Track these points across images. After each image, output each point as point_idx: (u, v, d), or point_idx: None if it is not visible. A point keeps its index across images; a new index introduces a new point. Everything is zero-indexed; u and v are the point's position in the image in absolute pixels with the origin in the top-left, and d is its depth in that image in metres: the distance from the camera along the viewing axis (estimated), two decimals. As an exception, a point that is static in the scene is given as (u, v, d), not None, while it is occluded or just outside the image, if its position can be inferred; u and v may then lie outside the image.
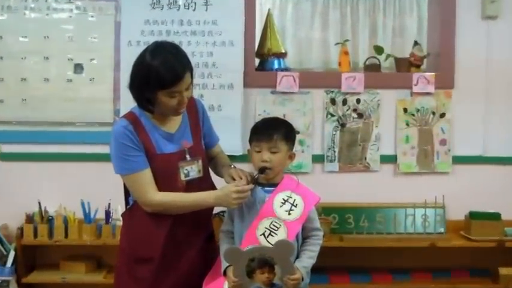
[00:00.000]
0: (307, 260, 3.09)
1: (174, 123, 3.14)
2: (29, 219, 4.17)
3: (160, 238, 3.06)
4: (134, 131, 3.00)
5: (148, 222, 3.07)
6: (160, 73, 2.88)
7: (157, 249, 3.07)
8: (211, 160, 3.40)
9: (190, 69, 3.00)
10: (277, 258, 2.95)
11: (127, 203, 3.21)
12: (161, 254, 3.07)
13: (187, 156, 3.10)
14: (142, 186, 3.02)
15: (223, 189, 3.05)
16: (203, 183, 3.17)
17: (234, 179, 3.15)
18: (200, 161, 3.16)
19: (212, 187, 3.27)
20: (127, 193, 3.19)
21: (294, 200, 3.14)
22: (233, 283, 2.99)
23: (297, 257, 3.10)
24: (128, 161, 3.00)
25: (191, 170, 3.12)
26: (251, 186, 3.04)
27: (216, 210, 3.97)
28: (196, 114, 3.25)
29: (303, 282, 3.03)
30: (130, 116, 3.06)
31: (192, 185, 3.10)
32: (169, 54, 2.96)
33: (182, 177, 3.09)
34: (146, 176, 3.02)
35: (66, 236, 4.13)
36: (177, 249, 3.10)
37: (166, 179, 3.05)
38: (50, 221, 4.16)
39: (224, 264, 3.07)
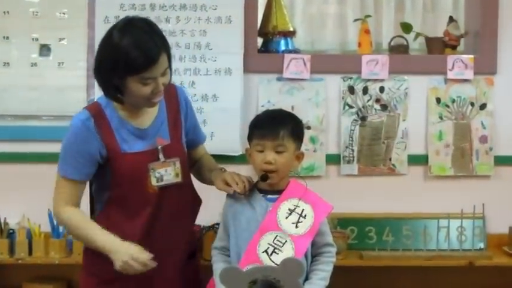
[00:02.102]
0: (319, 281, 3.10)
1: (148, 117, 3.11)
2: (-14, 233, 4.21)
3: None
4: (95, 127, 2.99)
5: (117, 230, 3.03)
6: (130, 55, 2.84)
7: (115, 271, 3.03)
8: (195, 162, 3.41)
9: (167, 51, 2.97)
10: (284, 280, 2.94)
11: (92, 211, 3.24)
12: (126, 275, 3.02)
13: (161, 157, 3.07)
14: (62, 195, 3.05)
15: (126, 249, 2.94)
16: (182, 192, 3.15)
17: (228, 185, 3.15)
18: (178, 163, 3.12)
19: (194, 196, 3.29)
20: (93, 200, 3.23)
21: (303, 209, 3.14)
22: None
23: (306, 278, 3.10)
24: (65, 162, 3.04)
25: (165, 173, 3.08)
26: (153, 264, 2.94)
27: (210, 222, 4.03)
28: (177, 106, 3.22)
29: None
30: (94, 108, 3.05)
31: (168, 193, 3.08)
32: (142, 32, 2.91)
33: (153, 181, 3.06)
34: (74, 188, 3.05)
35: (31, 253, 4.13)
36: (149, 270, 3.05)
37: (133, 184, 3.03)
38: (10, 235, 4.17)
39: (220, 287, 3.05)
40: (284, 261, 2.96)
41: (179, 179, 3.12)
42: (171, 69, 3.05)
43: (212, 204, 3.43)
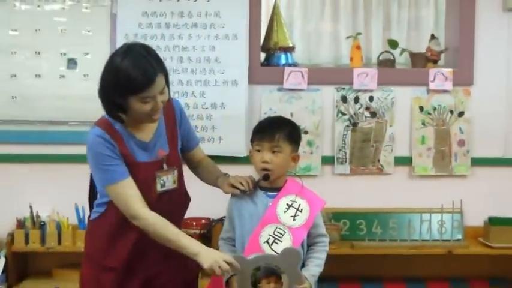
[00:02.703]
0: (314, 268, 3.09)
1: (149, 131, 3.08)
2: (20, 224, 4.20)
3: (124, 248, 3.04)
4: (111, 140, 2.94)
5: (115, 232, 3.04)
6: (130, 76, 2.80)
7: (120, 259, 3.05)
8: (197, 165, 3.38)
9: (164, 72, 2.94)
10: (284, 267, 2.95)
11: (91, 207, 3.20)
12: (126, 263, 3.05)
13: (165, 166, 3.06)
14: (128, 197, 2.94)
15: (214, 252, 2.94)
16: (177, 194, 3.15)
17: (234, 187, 3.14)
18: (176, 172, 3.12)
19: (185, 197, 3.27)
20: (91, 196, 3.20)
21: (299, 204, 3.13)
22: None
23: (303, 265, 3.09)
24: (109, 172, 2.94)
25: (167, 180, 3.07)
26: (237, 265, 2.90)
27: (218, 216, 4.02)
28: (173, 118, 3.19)
29: None
30: (104, 123, 2.99)
31: (165, 197, 3.07)
32: (140, 56, 2.87)
33: (158, 187, 3.05)
34: (129, 186, 2.95)
35: (60, 242, 4.14)
36: (143, 258, 3.07)
37: (144, 190, 2.99)
38: (42, 226, 4.18)
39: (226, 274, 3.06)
40: (284, 251, 2.97)
41: (176, 186, 3.12)
42: (169, 88, 3.01)
43: (220, 199, 3.39)
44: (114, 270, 3.07)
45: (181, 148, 3.28)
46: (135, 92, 2.82)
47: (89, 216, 3.23)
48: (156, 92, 2.86)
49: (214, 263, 2.82)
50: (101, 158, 2.93)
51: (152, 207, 2.99)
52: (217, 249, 3.20)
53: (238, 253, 3.11)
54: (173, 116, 3.19)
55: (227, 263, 2.83)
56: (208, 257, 2.85)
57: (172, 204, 3.12)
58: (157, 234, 2.92)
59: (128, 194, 2.93)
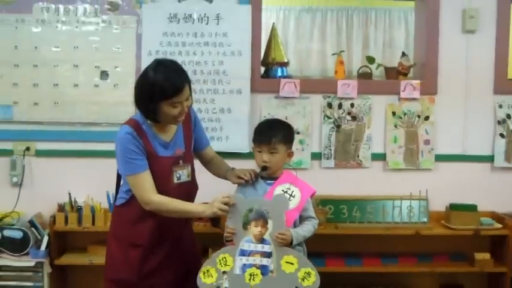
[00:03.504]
0: (301, 231, 3.08)
1: (169, 133, 3.15)
2: (61, 208, 4.21)
3: (148, 228, 3.09)
4: (138, 136, 3.01)
5: (138, 215, 3.09)
6: (164, 87, 2.90)
7: (144, 238, 3.11)
8: (208, 162, 3.43)
9: (189, 82, 3.01)
10: (273, 212, 2.96)
11: (117, 194, 3.26)
12: (149, 241, 3.11)
13: (181, 162, 3.13)
14: (143, 187, 3.01)
15: (212, 203, 3.01)
16: (190, 186, 3.21)
17: (240, 178, 3.21)
18: (189, 167, 3.19)
19: (196, 186, 3.31)
20: (118, 185, 3.26)
21: (292, 191, 3.15)
22: (229, 231, 3.00)
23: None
24: (131, 164, 3.01)
25: (182, 174, 3.14)
26: (233, 201, 3.00)
27: None
28: (189, 123, 3.25)
29: (291, 246, 3.01)
30: (133, 123, 3.06)
31: (182, 187, 3.14)
32: (170, 69, 2.98)
33: (175, 180, 3.11)
34: (146, 177, 3.02)
35: (93, 223, 4.16)
36: (162, 238, 3.14)
37: (161, 180, 3.06)
38: (79, 210, 4.19)
39: (228, 220, 3.08)
40: (275, 196, 3.04)
41: (189, 179, 3.19)
42: (191, 96, 3.07)
43: (226, 187, 3.37)
44: (141, 247, 3.11)
45: (194, 148, 3.32)
46: (168, 98, 2.91)
47: (114, 202, 3.28)
48: (183, 98, 2.95)
49: (216, 210, 2.94)
50: (127, 152, 3.00)
51: (171, 195, 3.05)
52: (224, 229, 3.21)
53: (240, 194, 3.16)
54: (189, 121, 3.25)
55: (225, 204, 2.95)
56: (210, 209, 2.97)
57: (186, 193, 3.17)
58: (170, 209, 3.02)
59: (144, 185, 3.01)
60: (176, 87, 2.92)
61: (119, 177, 3.25)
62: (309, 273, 2.96)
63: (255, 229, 2.96)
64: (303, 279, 2.95)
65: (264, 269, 2.96)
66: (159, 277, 3.16)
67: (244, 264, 2.96)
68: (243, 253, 2.97)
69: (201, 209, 3.03)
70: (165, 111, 2.96)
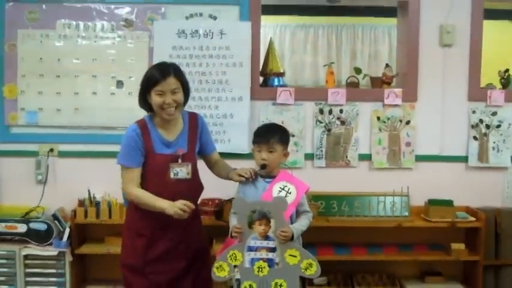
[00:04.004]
0: (299, 226, 3.11)
1: (173, 134, 3.17)
2: (81, 203, 4.21)
3: (151, 219, 3.12)
4: (141, 134, 3.07)
5: (145, 210, 3.11)
6: (151, 73, 3.03)
7: (148, 227, 3.14)
8: (213, 165, 3.43)
9: (180, 79, 3.07)
10: (274, 212, 2.98)
11: None
12: (151, 231, 3.14)
13: (179, 160, 3.13)
14: (129, 179, 3.10)
15: (175, 203, 3.01)
16: (191, 183, 3.20)
17: (241, 176, 3.22)
18: (190, 166, 3.17)
19: (200, 186, 3.32)
20: None
21: (289, 188, 3.16)
22: (236, 230, 3.00)
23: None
24: (127, 157, 3.09)
25: (180, 171, 3.14)
26: (193, 206, 3.03)
27: (227, 197, 4.05)
28: (195, 129, 3.26)
29: (292, 240, 3.02)
30: (141, 122, 3.13)
31: (181, 183, 3.14)
32: (163, 63, 3.12)
33: (171, 175, 3.11)
34: (135, 172, 3.10)
35: (110, 216, 4.16)
36: (166, 227, 3.14)
37: (158, 175, 3.10)
38: (97, 205, 4.19)
39: (231, 221, 3.12)
40: (275, 198, 3.05)
41: (189, 176, 3.17)
42: (186, 94, 3.13)
43: (228, 185, 3.45)
44: (145, 236, 3.14)
45: (201, 152, 3.35)
46: (154, 85, 2.99)
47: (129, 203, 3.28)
48: (167, 88, 2.99)
49: (176, 209, 2.96)
50: (128, 146, 3.09)
51: (169, 189, 3.10)
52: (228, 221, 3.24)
53: (242, 196, 3.17)
54: (196, 127, 3.27)
55: (185, 205, 2.98)
56: (171, 208, 2.97)
57: (185, 189, 3.15)
58: (140, 201, 3.09)
59: (130, 177, 3.11)
60: (160, 75, 3.00)
61: None
62: (310, 264, 3.00)
63: (259, 227, 2.99)
64: (305, 269, 2.99)
65: (270, 262, 2.99)
66: (164, 264, 3.17)
67: (252, 259, 3.00)
68: (251, 249, 3.00)
69: (164, 206, 3.02)
70: (153, 99, 3.03)
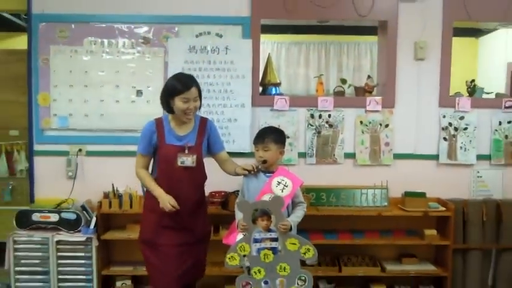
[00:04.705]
0: (295, 218, 3.15)
1: (185, 130, 3.26)
2: (106, 196, 4.22)
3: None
4: (155, 128, 3.21)
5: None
6: (177, 84, 3.14)
7: (158, 204, 3.20)
8: (223, 163, 3.46)
9: (198, 87, 3.19)
10: (273, 209, 3.01)
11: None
12: (161, 209, 3.20)
13: (186, 151, 3.21)
14: (137, 162, 3.31)
15: (166, 199, 3.17)
16: (195, 170, 3.26)
17: (245, 169, 3.26)
18: (195, 156, 3.24)
19: (203, 174, 3.39)
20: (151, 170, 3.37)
21: (286, 182, 3.18)
22: (242, 226, 3.05)
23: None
24: (140, 144, 3.25)
25: (186, 160, 3.22)
26: (177, 207, 3.16)
27: (231, 189, 4.06)
28: (204, 130, 3.33)
29: (291, 231, 3.05)
30: (158, 120, 3.28)
31: (187, 170, 3.22)
32: (183, 75, 3.23)
33: (178, 163, 3.20)
34: (143, 158, 3.29)
35: (131, 207, 4.16)
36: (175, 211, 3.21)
37: (168, 161, 3.21)
38: (120, 197, 4.19)
39: (237, 215, 3.14)
40: (273, 198, 3.08)
41: (194, 165, 3.24)
42: (201, 101, 3.23)
43: (232, 180, 3.50)
44: (155, 212, 3.22)
45: (211, 150, 3.40)
46: (179, 93, 3.10)
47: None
48: (191, 96, 3.12)
49: (166, 204, 3.14)
50: (142, 135, 3.25)
51: (176, 174, 3.21)
52: (233, 210, 3.27)
53: (244, 199, 3.22)
54: (204, 129, 3.34)
55: (172, 205, 3.15)
56: (162, 201, 3.15)
57: (189, 175, 3.25)
58: (141, 181, 3.33)
59: (138, 161, 3.32)
60: (186, 85, 3.12)
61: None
62: (308, 249, 3.04)
63: (262, 223, 3.02)
64: (304, 254, 3.04)
65: (274, 250, 3.04)
66: (173, 238, 3.25)
67: (259, 248, 3.04)
68: (256, 240, 3.04)
69: (157, 194, 3.20)
70: (177, 104, 3.13)
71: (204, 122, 3.34)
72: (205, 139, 3.33)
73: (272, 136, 3.26)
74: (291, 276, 3.05)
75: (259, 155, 3.24)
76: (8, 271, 4.07)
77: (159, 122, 3.23)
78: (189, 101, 3.12)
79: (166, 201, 3.14)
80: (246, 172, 3.26)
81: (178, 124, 3.24)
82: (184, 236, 3.26)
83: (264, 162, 3.22)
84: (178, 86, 3.12)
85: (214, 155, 3.44)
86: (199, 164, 3.28)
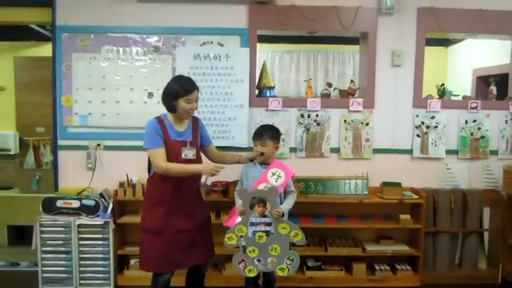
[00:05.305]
0: (287, 205, 3.17)
1: (183, 127, 3.23)
2: (121, 185, 4.24)
3: (167, 191, 3.14)
4: (159, 125, 3.12)
5: (160, 183, 3.15)
6: (183, 86, 3.08)
7: (165, 197, 3.15)
8: (211, 155, 3.44)
9: (197, 89, 3.15)
10: (269, 197, 3.03)
11: (149, 172, 3.30)
12: (168, 199, 3.15)
13: (188, 145, 3.19)
14: (157, 157, 3.09)
15: (208, 165, 3.17)
16: (195, 162, 3.22)
17: (250, 159, 3.32)
18: (195, 150, 3.22)
19: None
20: (149, 167, 3.28)
21: (279, 173, 3.21)
22: (241, 210, 3.06)
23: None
24: (153, 140, 3.10)
25: (188, 153, 3.19)
26: (223, 167, 3.11)
27: (231, 179, 4.04)
28: (196, 126, 3.31)
29: (283, 217, 3.08)
30: (159, 118, 3.18)
31: (190, 162, 3.17)
32: (185, 79, 3.15)
33: (182, 156, 3.16)
34: (160, 151, 3.10)
35: (143, 195, 4.04)
36: (179, 197, 3.18)
37: (174, 155, 3.13)
38: (133, 186, 4.20)
39: (237, 201, 3.15)
40: (269, 188, 3.10)
41: (194, 157, 3.22)
42: (197, 101, 3.19)
43: (231, 171, 3.49)
44: (163, 203, 3.15)
45: (202, 143, 3.37)
46: (184, 95, 3.07)
47: (148, 178, 3.31)
48: (193, 97, 3.09)
49: (209, 170, 3.05)
50: (152, 133, 3.11)
51: None
52: (234, 197, 3.27)
53: (244, 188, 3.21)
54: (197, 125, 3.32)
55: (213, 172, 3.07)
56: (206, 168, 3.08)
57: None
58: (175, 171, 3.10)
59: (158, 155, 3.10)
60: (191, 87, 3.10)
61: (149, 162, 3.28)
62: (297, 233, 3.08)
63: (258, 209, 3.05)
64: (293, 237, 3.07)
65: (267, 233, 3.07)
66: (179, 225, 3.19)
67: (254, 231, 3.06)
68: (252, 224, 3.07)
69: (199, 168, 3.13)
70: (182, 106, 3.09)
71: (195, 120, 3.33)
72: (199, 134, 3.34)
73: (269, 133, 3.29)
74: (281, 256, 3.08)
75: (258, 150, 3.27)
76: (35, 251, 4.08)
77: (160, 120, 3.16)
78: (192, 102, 3.12)
79: (212, 166, 3.10)
80: (250, 161, 3.34)
81: (176, 122, 3.20)
82: (188, 223, 3.22)
83: (262, 154, 3.24)
84: (183, 89, 3.08)
85: (206, 147, 3.42)
86: (198, 156, 3.30)
